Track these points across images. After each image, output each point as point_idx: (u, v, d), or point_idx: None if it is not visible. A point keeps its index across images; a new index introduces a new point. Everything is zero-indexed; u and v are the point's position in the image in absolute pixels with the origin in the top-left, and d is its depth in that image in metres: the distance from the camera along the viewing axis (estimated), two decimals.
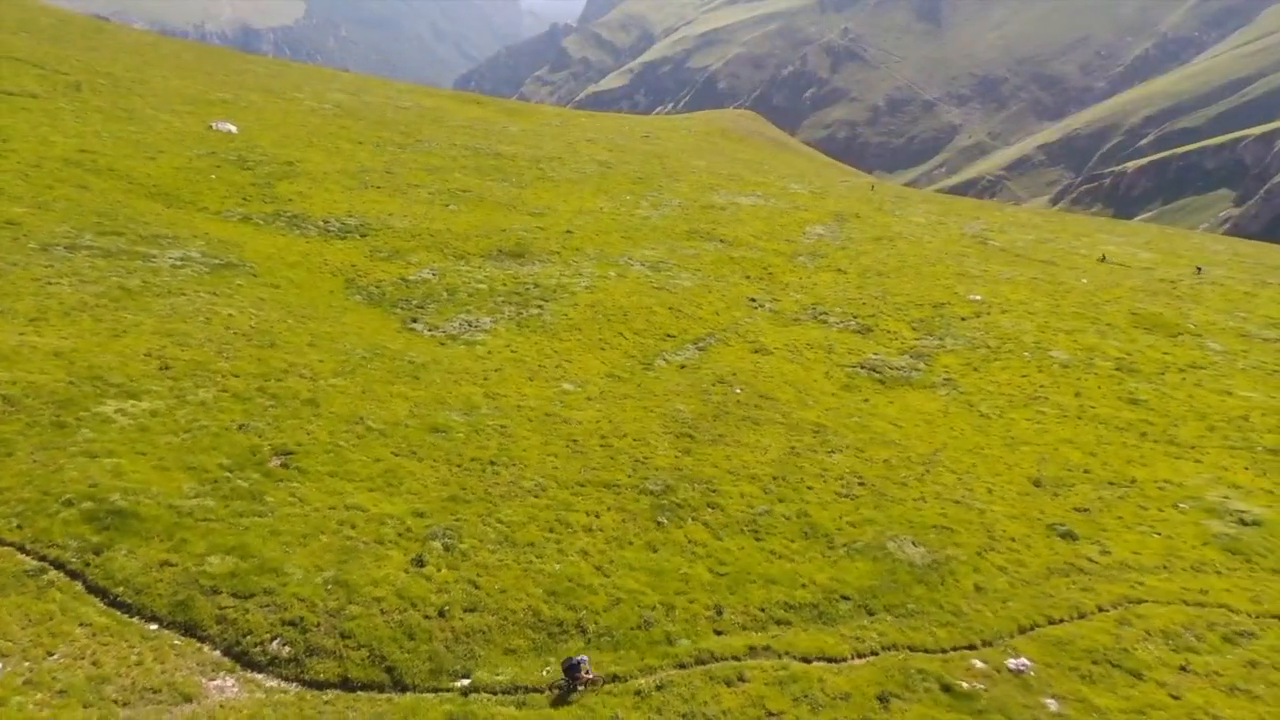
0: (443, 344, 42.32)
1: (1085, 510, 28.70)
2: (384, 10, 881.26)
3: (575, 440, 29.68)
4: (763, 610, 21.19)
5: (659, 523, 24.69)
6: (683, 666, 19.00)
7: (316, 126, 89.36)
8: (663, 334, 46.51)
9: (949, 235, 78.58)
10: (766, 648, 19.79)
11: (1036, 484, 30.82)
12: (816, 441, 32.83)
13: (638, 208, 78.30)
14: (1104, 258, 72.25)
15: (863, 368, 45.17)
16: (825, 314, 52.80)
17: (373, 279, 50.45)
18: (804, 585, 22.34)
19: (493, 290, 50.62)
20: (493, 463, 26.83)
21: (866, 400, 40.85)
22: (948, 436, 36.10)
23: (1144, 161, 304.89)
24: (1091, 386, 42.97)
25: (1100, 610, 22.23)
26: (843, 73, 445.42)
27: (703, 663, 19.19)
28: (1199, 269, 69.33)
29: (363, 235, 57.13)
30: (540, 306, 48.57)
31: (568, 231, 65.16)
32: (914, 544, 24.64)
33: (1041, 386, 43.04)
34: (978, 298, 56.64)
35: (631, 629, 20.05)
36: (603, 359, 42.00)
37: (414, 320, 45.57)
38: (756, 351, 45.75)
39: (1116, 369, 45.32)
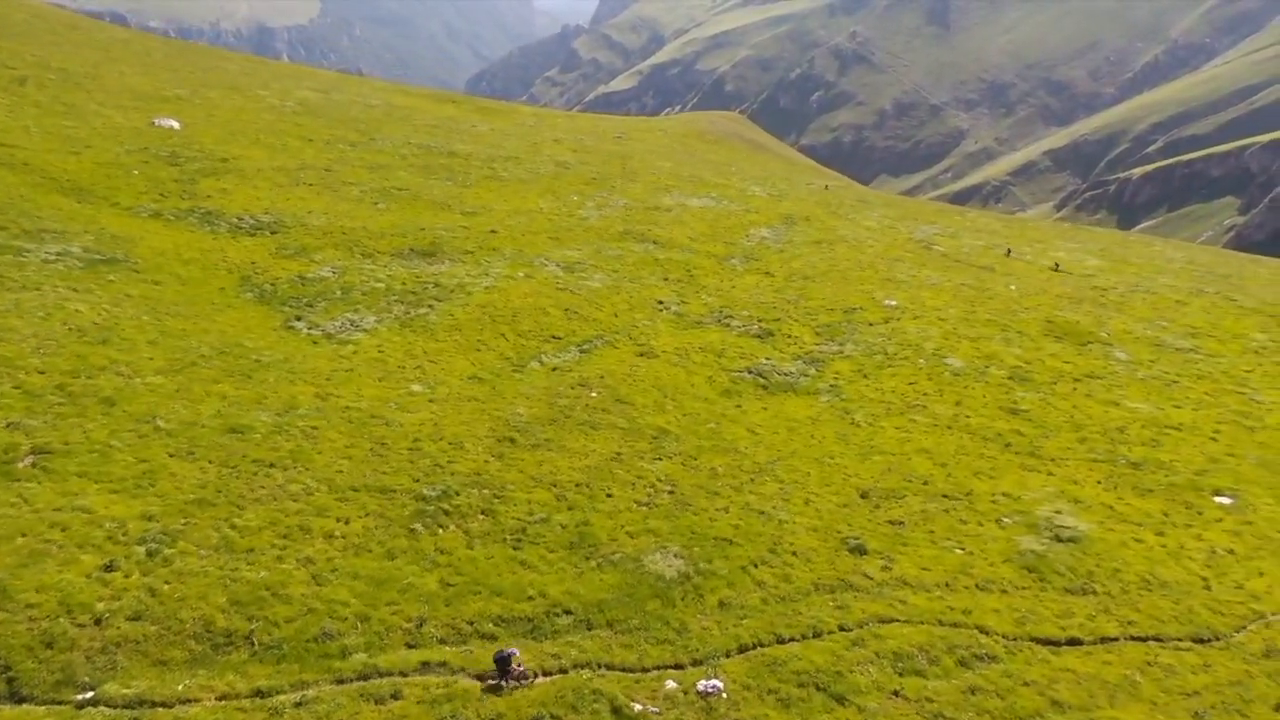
0: (315, 343, 41.86)
1: (900, 523, 27.76)
2: (398, 9, 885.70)
3: (384, 443, 29.08)
4: (471, 624, 20.47)
5: (413, 529, 24.03)
6: (341, 682, 18.32)
7: (269, 124, 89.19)
8: (549, 335, 45.83)
9: (893, 240, 77.37)
10: (443, 664, 19.07)
11: (863, 495, 29.90)
12: (650, 447, 32.05)
13: (581, 208, 77.59)
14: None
15: (750, 372, 44.32)
16: (730, 317, 51.93)
17: (269, 276, 50.05)
18: (531, 598, 21.59)
19: (389, 289, 50.14)
20: (273, 465, 26.27)
21: (739, 406, 40.02)
22: (801, 444, 35.21)
23: (1149, 168, 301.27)
24: (976, 395, 41.92)
25: (842, 629, 21.30)
26: (850, 76, 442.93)
27: (365, 678, 18.50)
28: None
29: (273, 232, 56.78)
30: (431, 306, 48.03)
31: (492, 231, 64.59)
32: (677, 556, 23.82)
33: (925, 395, 42.04)
34: (893, 303, 55.59)
35: (307, 641, 19.38)
36: (473, 360, 41.39)
37: (297, 319, 45.13)
38: (642, 354, 44.99)
39: (1009, 377, 44.23)
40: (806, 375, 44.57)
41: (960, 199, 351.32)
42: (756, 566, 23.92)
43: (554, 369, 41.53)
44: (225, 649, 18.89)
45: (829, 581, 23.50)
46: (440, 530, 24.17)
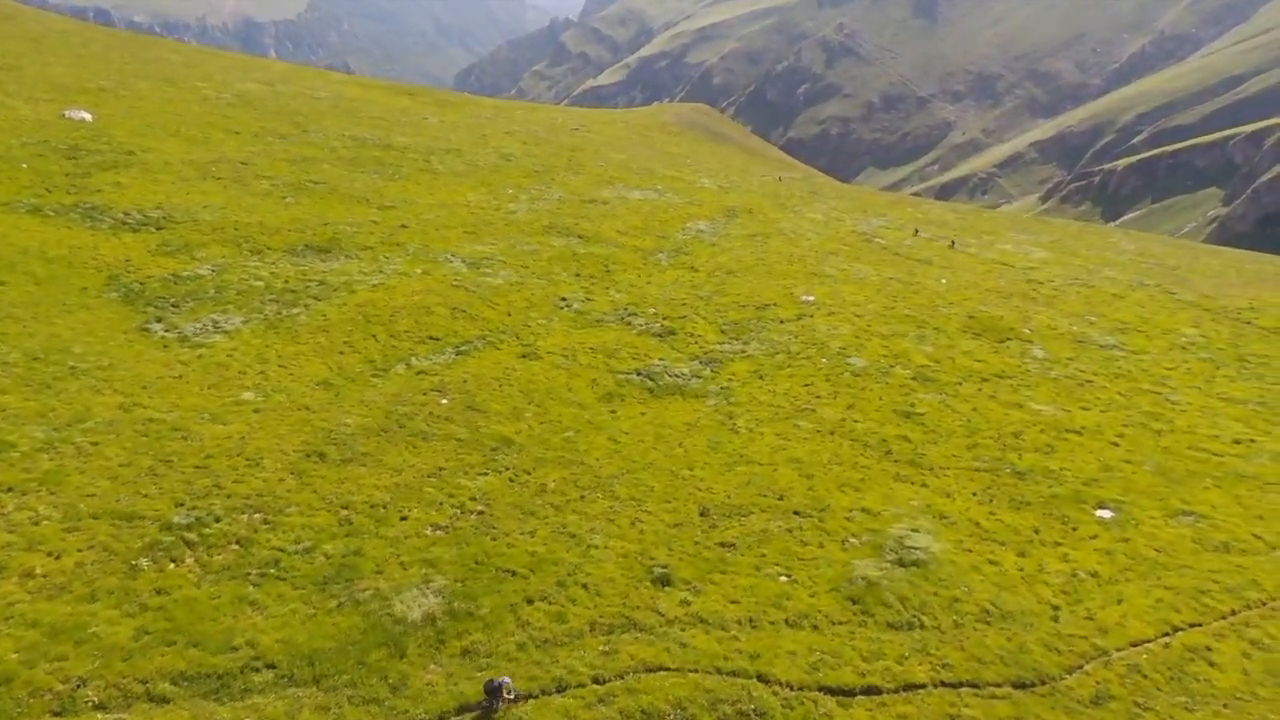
0: (165, 347, 39.12)
1: (731, 546, 25.05)
2: (388, 5, 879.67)
3: (169, 460, 26.33)
4: (144, 683, 17.76)
5: (135, 565, 21.31)
6: None
7: (196, 115, 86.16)
8: (426, 336, 43.09)
9: (834, 233, 74.59)
10: None
11: (703, 514, 27.18)
12: (481, 460, 29.30)
13: (513, 202, 74.72)
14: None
15: (639, 374, 41.62)
16: (634, 315, 49.21)
17: (141, 275, 47.27)
18: (235, 648, 18.88)
19: (269, 287, 47.36)
20: (11, 489, 23.55)
21: (614, 411, 37.30)
22: (662, 455, 32.47)
23: (1134, 159, 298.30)
24: (872, 398, 39.23)
25: (596, 682, 18.58)
26: (837, 68, 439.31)
27: None
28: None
29: (159, 228, 53.93)
30: (306, 306, 45.25)
31: (402, 225, 61.79)
32: (437, 593, 21.08)
33: (817, 397, 39.35)
34: (810, 299, 52.86)
35: None
36: (332, 364, 38.61)
37: (157, 320, 42.39)
38: (524, 356, 42.27)
39: (912, 378, 41.55)
40: (699, 377, 41.85)
41: (947, 191, 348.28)
42: (531, 603, 21.19)
43: (419, 373, 38.79)
44: None
45: (610, 620, 20.76)
46: (171, 565, 21.45)
